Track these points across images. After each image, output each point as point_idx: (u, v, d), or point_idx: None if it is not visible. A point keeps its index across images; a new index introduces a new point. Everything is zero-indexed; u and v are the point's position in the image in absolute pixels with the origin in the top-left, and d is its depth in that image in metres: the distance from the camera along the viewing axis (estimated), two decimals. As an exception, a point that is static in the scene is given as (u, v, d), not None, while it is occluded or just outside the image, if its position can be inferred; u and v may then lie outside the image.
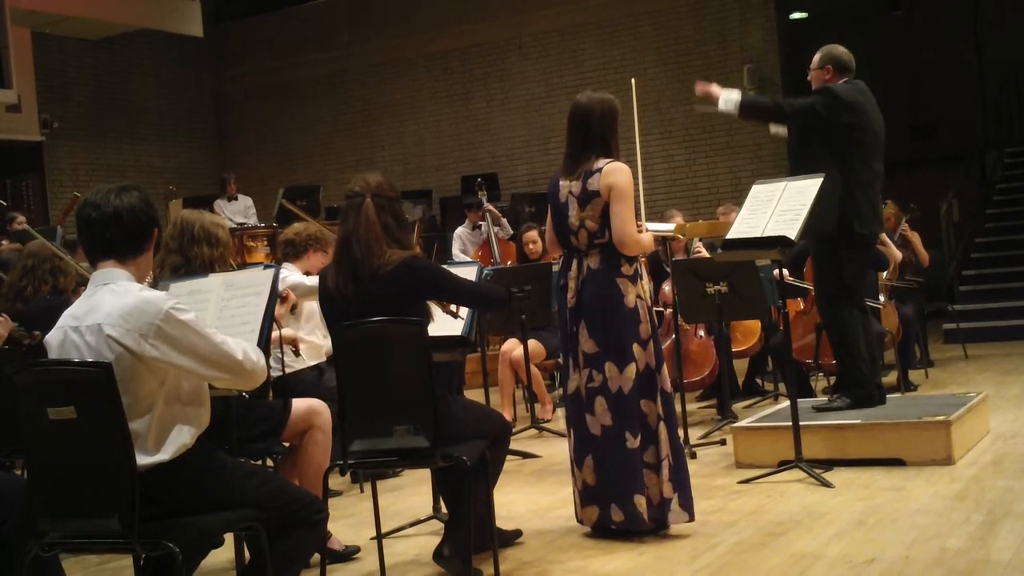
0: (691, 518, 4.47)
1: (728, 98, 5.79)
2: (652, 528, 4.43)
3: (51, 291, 5.22)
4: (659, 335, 4.56)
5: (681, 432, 6.25)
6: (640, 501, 4.37)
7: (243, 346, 3.20)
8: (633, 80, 5.35)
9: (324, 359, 5.49)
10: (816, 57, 6.10)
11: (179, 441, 3.08)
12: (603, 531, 4.49)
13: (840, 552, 4.04)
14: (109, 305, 3.03)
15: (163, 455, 3.05)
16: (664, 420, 4.43)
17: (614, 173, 4.40)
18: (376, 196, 3.93)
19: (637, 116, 5.06)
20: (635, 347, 4.41)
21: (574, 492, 4.57)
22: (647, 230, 4.66)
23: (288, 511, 3.21)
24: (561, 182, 4.53)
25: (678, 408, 6.53)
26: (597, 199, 4.40)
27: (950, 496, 4.74)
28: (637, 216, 4.52)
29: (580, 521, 4.58)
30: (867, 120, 5.88)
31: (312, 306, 5.53)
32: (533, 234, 8.32)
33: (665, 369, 4.51)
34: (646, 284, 4.53)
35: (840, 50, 6.06)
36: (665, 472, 4.40)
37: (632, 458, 4.37)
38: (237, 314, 3.71)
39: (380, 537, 4.11)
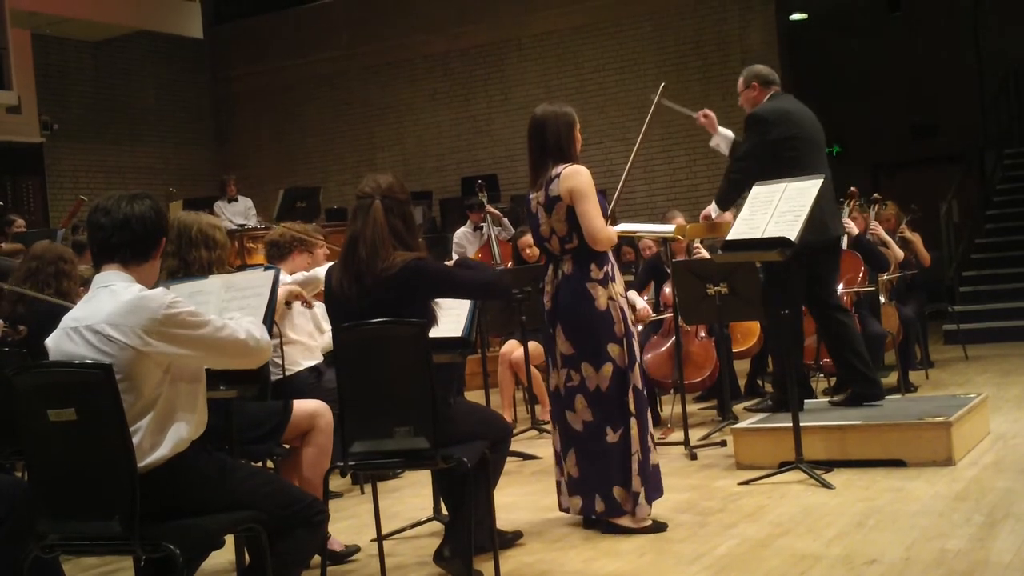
0: (649, 512, 4.63)
1: (724, 135, 6.33)
2: (630, 514, 4.55)
3: (54, 294, 5.20)
4: (633, 334, 4.66)
5: (681, 433, 6.31)
6: (619, 492, 4.54)
7: (244, 326, 3.23)
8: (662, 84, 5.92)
9: (321, 359, 5.49)
10: (740, 80, 6.40)
11: (177, 435, 3.09)
12: (589, 520, 4.69)
13: (840, 553, 4.04)
14: (109, 306, 3.04)
15: (163, 451, 3.06)
16: (636, 416, 4.55)
17: (572, 176, 4.54)
18: (386, 198, 3.95)
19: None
20: (611, 347, 4.56)
21: (559, 482, 4.73)
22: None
23: (288, 512, 3.21)
24: (530, 195, 4.73)
25: (678, 410, 6.57)
26: (559, 203, 4.56)
27: (950, 497, 4.74)
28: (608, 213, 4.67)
29: (565, 510, 4.74)
30: (802, 128, 6.08)
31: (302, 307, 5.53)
32: (529, 239, 8.32)
33: (638, 367, 4.63)
34: (619, 285, 4.65)
35: (760, 67, 6.42)
36: (635, 466, 4.53)
37: (611, 452, 4.54)
38: (237, 315, 3.71)
39: (380, 539, 4.11)
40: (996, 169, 15.45)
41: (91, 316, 3.06)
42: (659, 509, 4.70)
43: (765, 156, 5.98)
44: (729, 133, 6.42)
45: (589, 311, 4.55)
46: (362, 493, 5.84)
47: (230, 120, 17.75)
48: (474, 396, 7.36)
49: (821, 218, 5.60)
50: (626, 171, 5.36)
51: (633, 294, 7.54)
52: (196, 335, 3.08)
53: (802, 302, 6.15)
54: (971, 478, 5.08)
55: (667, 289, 7.45)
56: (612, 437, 4.55)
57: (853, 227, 7.85)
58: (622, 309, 4.60)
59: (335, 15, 16.74)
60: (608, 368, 4.55)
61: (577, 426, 4.61)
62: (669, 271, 6.98)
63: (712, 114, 6.47)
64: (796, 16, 15.93)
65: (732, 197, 6.24)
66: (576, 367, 4.59)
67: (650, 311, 7.57)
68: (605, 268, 4.59)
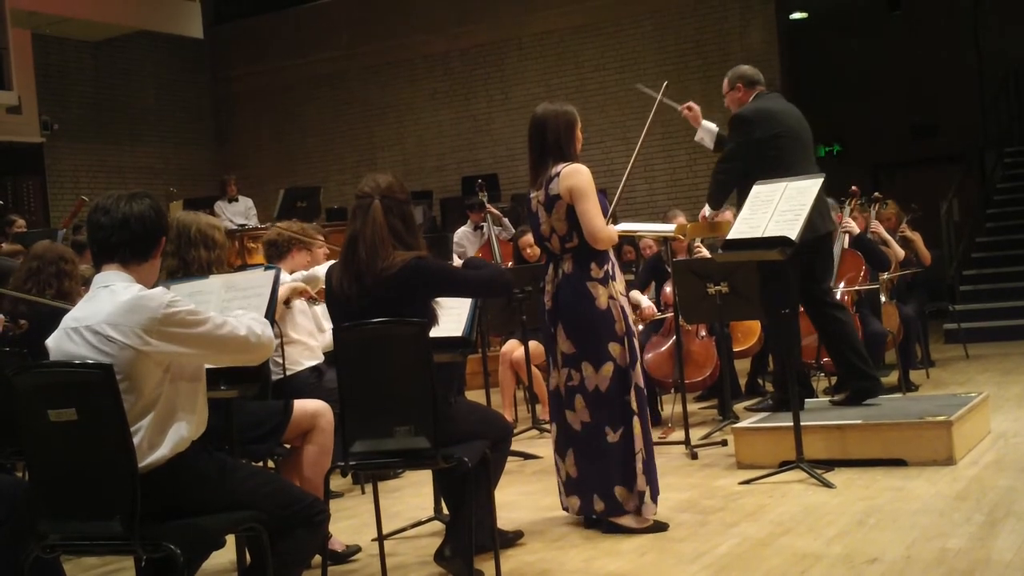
0: (655, 511, 4.65)
1: (708, 128, 6.42)
2: (632, 513, 4.56)
3: (55, 295, 5.20)
4: (634, 332, 4.67)
5: (682, 433, 6.31)
6: (620, 492, 4.54)
7: (246, 322, 3.23)
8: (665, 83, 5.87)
9: (322, 359, 5.49)
10: (725, 81, 6.43)
11: (178, 435, 3.09)
12: (590, 520, 4.70)
13: (841, 552, 4.04)
14: (109, 306, 3.04)
15: (163, 451, 3.06)
16: (638, 415, 4.56)
17: (572, 175, 4.54)
18: (385, 198, 3.96)
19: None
20: (612, 346, 4.56)
21: (558, 482, 4.75)
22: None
23: (289, 512, 3.21)
24: (531, 194, 4.73)
25: (678, 409, 6.57)
26: (559, 202, 4.56)
27: (951, 496, 4.74)
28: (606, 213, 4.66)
29: (565, 509, 4.76)
30: (786, 127, 6.11)
31: (304, 306, 5.53)
32: (529, 238, 8.31)
33: (639, 366, 4.64)
34: (619, 284, 4.65)
35: (744, 67, 6.45)
36: (639, 465, 4.53)
37: (612, 451, 4.54)
38: (240, 313, 3.71)
39: (381, 538, 4.11)
40: (996, 168, 15.45)
41: (91, 316, 3.06)
42: (659, 508, 4.70)
43: (750, 155, 6.01)
44: (713, 127, 6.48)
45: (590, 310, 4.55)
46: (363, 493, 5.84)
47: (230, 120, 17.75)
48: (475, 396, 7.36)
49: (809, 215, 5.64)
50: (627, 171, 5.35)
51: (637, 293, 7.55)
52: (196, 333, 3.08)
53: (798, 301, 6.15)
54: (972, 477, 5.08)
55: (668, 288, 7.45)
56: (612, 437, 4.55)
57: (854, 226, 7.85)
58: (623, 308, 4.61)
59: (335, 15, 16.73)
60: (608, 368, 4.55)
61: (576, 426, 4.62)
62: (670, 270, 6.98)
63: (696, 107, 6.52)
64: (796, 15, 15.94)
65: (721, 197, 6.28)
66: (577, 366, 4.59)
67: (655, 310, 7.57)
68: (605, 267, 4.60)
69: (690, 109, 6.50)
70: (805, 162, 6.03)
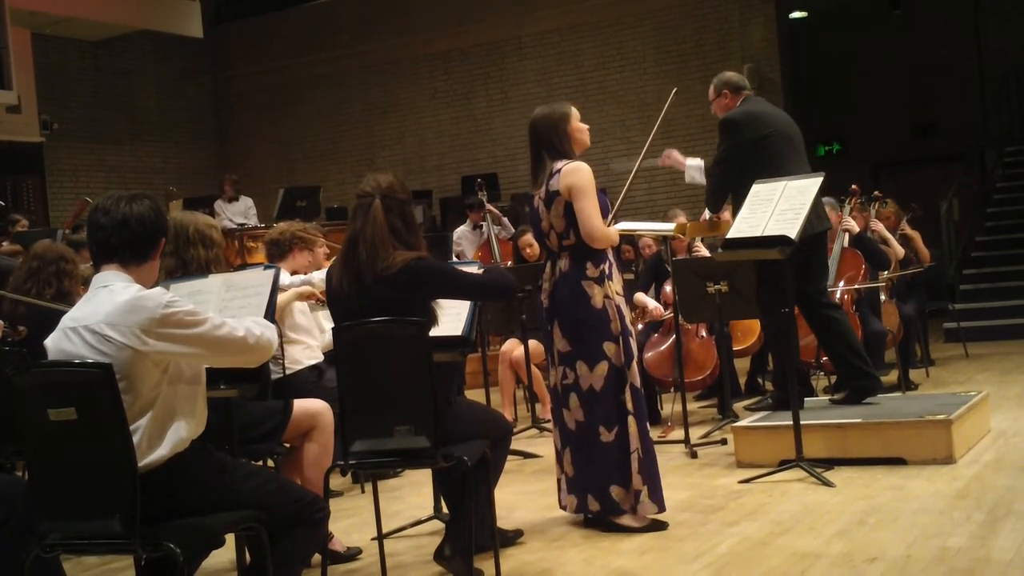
0: (660, 509, 4.59)
1: (694, 166, 6.48)
2: (630, 513, 4.55)
3: (55, 294, 5.20)
4: (630, 332, 4.66)
5: (682, 432, 6.31)
6: (617, 491, 4.53)
7: (245, 324, 3.23)
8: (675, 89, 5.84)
9: (322, 358, 5.49)
10: (711, 89, 6.46)
11: (176, 436, 3.09)
12: (589, 519, 4.69)
13: (841, 551, 4.04)
14: (107, 306, 3.04)
15: (162, 451, 3.06)
16: (634, 414, 4.55)
17: (572, 173, 4.56)
18: (386, 197, 3.96)
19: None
20: (607, 345, 4.56)
21: (559, 480, 4.76)
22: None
23: (289, 510, 3.22)
24: (534, 193, 4.75)
25: (678, 408, 6.57)
26: (558, 199, 4.58)
27: (951, 495, 4.74)
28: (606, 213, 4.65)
29: (563, 507, 4.76)
30: (774, 127, 6.14)
31: (304, 306, 5.54)
32: (529, 237, 8.32)
33: (635, 365, 4.63)
34: (616, 284, 4.65)
35: (729, 73, 6.53)
36: (635, 464, 4.51)
37: (608, 451, 4.54)
38: (237, 315, 3.71)
39: (381, 537, 4.11)
40: (996, 167, 15.45)
41: (89, 316, 3.06)
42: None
43: (742, 157, 6.05)
44: (698, 161, 6.52)
45: (585, 309, 4.55)
46: (362, 492, 5.84)
47: (230, 119, 17.75)
48: (474, 395, 7.35)
49: None
50: (628, 180, 5.33)
51: (643, 296, 7.57)
52: (194, 334, 3.08)
53: (794, 300, 6.16)
54: (972, 476, 5.08)
55: (668, 287, 7.46)
56: (607, 436, 4.55)
57: (854, 225, 7.85)
58: (618, 307, 4.60)
59: (335, 14, 16.73)
60: (603, 367, 4.55)
61: (571, 425, 4.64)
62: (670, 269, 6.98)
63: (673, 151, 6.59)
64: (796, 14, 15.94)
65: (720, 198, 6.32)
66: (572, 365, 4.60)
67: (662, 311, 7.57)
68: (602, 266, 4.59)
69: (668, 156, 6.57)
70: (798, 161, 6.06)
